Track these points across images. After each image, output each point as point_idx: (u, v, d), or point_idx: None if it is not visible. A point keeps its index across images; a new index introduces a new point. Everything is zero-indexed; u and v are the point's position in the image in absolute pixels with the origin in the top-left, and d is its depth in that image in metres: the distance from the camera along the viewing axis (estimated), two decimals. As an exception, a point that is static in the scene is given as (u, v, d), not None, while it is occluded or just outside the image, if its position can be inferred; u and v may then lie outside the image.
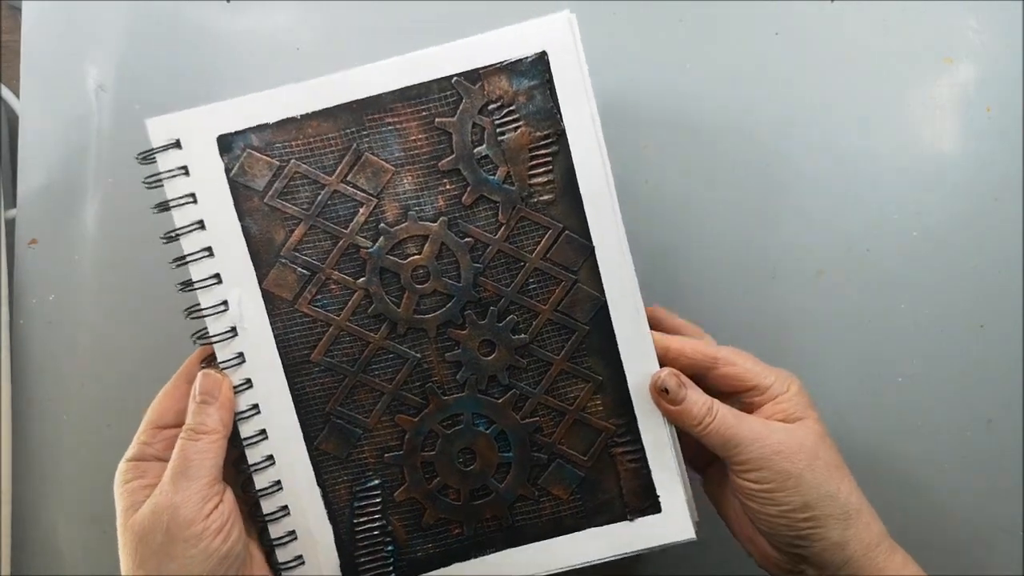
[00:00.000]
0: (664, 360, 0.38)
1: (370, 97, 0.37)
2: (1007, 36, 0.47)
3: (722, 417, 0.36)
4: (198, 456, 0.34)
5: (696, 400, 0.36)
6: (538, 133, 0.37)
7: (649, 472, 0.39)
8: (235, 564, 0.34)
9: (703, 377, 0.38)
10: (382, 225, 0.37)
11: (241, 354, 0.37)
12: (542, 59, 0.37)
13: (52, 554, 0.46)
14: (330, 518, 0.38)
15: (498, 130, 0.37)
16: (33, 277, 0.47)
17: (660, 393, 0.37)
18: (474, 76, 0.37)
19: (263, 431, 0.38)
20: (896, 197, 0.46)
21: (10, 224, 0.47)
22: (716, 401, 0.37)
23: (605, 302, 0.38)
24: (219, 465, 0.35)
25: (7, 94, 0.50)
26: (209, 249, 0.37)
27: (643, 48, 0.48)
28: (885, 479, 0.46)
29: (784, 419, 0.37)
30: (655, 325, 0.39)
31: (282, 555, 0.38)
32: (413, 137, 0.37)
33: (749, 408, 0.38)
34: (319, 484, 0.38)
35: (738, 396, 0.38)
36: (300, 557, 0.38)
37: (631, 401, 0.38)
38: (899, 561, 0.35)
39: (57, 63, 0.48)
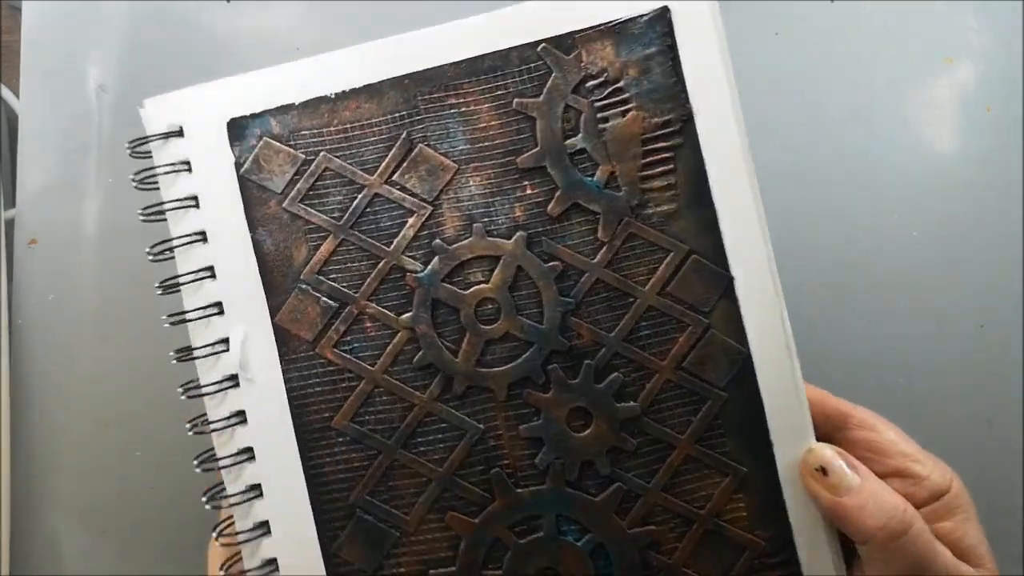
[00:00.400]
0: None
1: (428, 70, 0.27)
2: (1007, 36, 0.47)
3: (921, 536, 0.24)
4: None
5: (880, 497, 0.25)
6: (656, 119, 0.27)
7: None
8: None
9: (832, 440, 0.27)
10: (437, 241, 0.27)
11: (242, 412, 0.27)
12: (663, 18, 0.27)
13: (51, 554, 0.45)
14: (348, 661, 0.26)
15: (599, 115, 0.27)
16: (32, 277, 0.46)
17: (815, 475, 0.25)
18: (567, 42, 0.27)
19: (264, 523, 0.27)
20: (896, 197, 0.46)
21: (9, 224, 0.47)
22: (912, 509, 0.25)
23: (749, 356, 0.26)
24: None
25: (7, 94, 0.50)
26: (211, 269, 0.27)
27: None
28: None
29: (955, 549, 0.26)
30: None
31: None
32: (483, 124, 0.27)
33: None
34: (334, 607, 0.26)
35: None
36: None
37: (784, 502, 0.26)
38: None
39: (57, 63, 0.48)
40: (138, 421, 0.37)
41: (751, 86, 0.44)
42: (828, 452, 0.26)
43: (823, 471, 0.26)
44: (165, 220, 0.28)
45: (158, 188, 0.28)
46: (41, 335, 0.47)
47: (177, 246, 0.28)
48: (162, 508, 0.43)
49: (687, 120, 0.27)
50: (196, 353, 0.27)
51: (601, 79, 0.27)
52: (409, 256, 0.27)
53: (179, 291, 0.28)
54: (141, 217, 0.28)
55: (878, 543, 0.25)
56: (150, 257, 0.28)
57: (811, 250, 0.46)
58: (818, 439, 0.27)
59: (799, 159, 0.46)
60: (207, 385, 0.27)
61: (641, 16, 0.27)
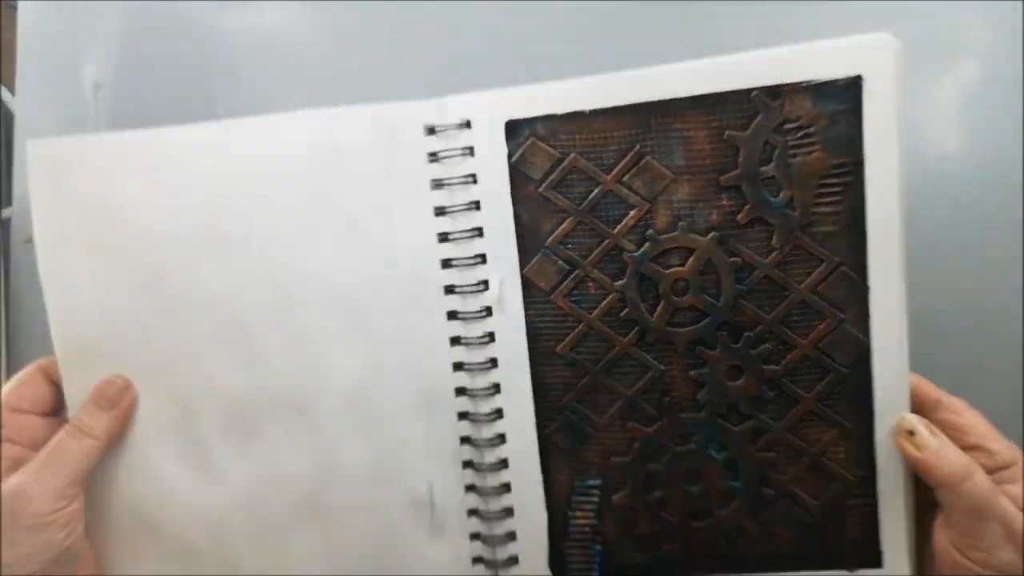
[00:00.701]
0: None
1: (662, 100, 0.36)
2: (1011, 34, 0.47)
3: (982, 483, 0.34)
4: (73, 456, 0.36)
5: (952, 454, 0.34)
6: (834, 160, 0.35)
7: (878, 529, 0.36)
8: (71, 561, 0.36)
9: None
10: (650, 231, 0.37)
11: (491, 334, 0.38)
12: (856, 83, 0.34)
13: None
14: (548, 506, 0.39)
15: (790, 151, 0.35)
16: (29, 276, 0.46)
17: (906, 436, 0.35)
18: (776, 92, 0.35)
19: (499, 410, 0.39)
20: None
21: (6, 223, 0.47)
22: (976, 464, 0.34)
23: (869, 347, 0.36)
24: (88, 469, 0.37)
25: (2, 92, 0.50)
26: (479, 230, 0.38)
27: (642, 48, 0.48)
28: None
29: (1018, 504, 0.34)
30: None
31: (498, 528, 0.39)
32: (699, 147, 0.36)
33: None
34: (543, 471, 0.39)
35: None
36: (513, 533, 0.39)
37: (875, 455, 0.36)
38: None
39: (53, 61, 0.47)
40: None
41: None
42: (916, 419, 0.35)
43: (911, 433, 0.35)
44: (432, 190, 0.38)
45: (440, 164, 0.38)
46: (38, 334, 0.44)
47: (455, 211, 0.38)
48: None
49: (859, 164, 0.35)
50: (459, 290, 0.38)
51: (797, 124, 0.35)
52: (627, 239, 0.37)
53: (450, 267, 0.38)
54: (431, 188, 0.38)
55: (949, 486, 0.34)
56: (435, 214, 0.38)
57: None
58: (913, 413, 0.36)
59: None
60: (469, 312, 0.38)
61: (838, 80, 0.34)
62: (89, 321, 0.39)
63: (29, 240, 0.44)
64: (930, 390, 0.36)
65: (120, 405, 0.38)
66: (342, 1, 0.48)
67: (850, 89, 0.34)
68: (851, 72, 0.34)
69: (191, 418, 0.39)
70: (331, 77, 0.48)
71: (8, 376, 0.43)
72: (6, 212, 0.48)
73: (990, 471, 0.34)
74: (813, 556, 0.37)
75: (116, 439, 0.39)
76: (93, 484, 0.39)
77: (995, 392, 0.46)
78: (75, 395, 0.39)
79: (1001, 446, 0.35)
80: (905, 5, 0.47)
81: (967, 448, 0.35)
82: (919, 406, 0.36)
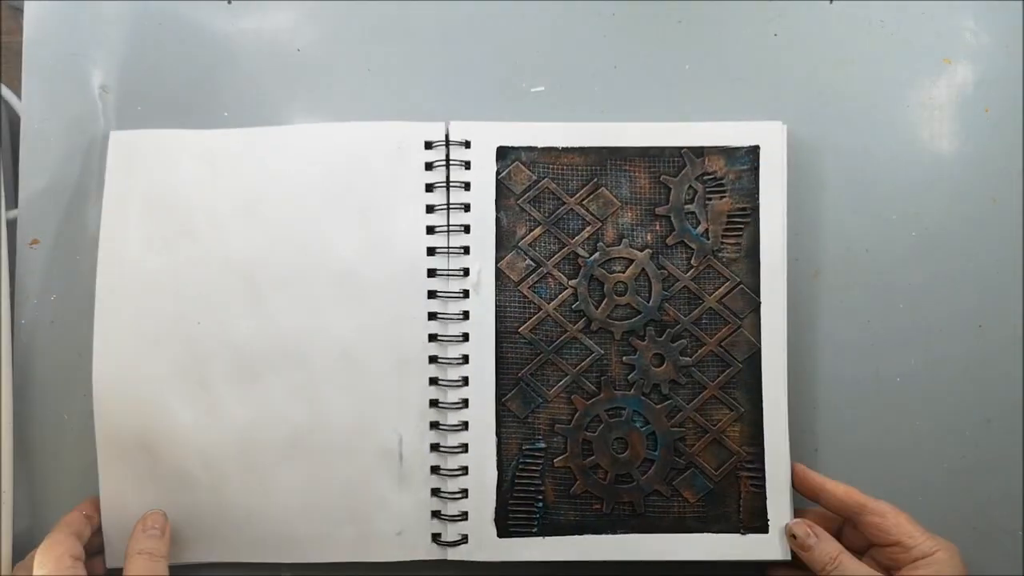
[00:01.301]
0: (819, 498, 0.44)
1: (617, 147, 0.47)
2: (1005, 37, 0.48)
3: (843, 567, 0.41)
4: (152, 571, 0.41)
5: (824, 550, 0.42)
6: (738, 205, 0.47)
7: (765, 498, 0.45)
8: None
9: (854, 522, 0.43)
10: (600, 243, 0.47)
11: (467, 312, 0.46)
12: (754, 151, 0.47)
13: None
14: (498, 465, 0.46)
15: (707, 195, 0.47)
16: (35, 277, 0.47)
17: (791, 538, 0.44)
18: (700, 152, 0.47)
19: (465, 379, 0.46)
20: (895, 197, 0.47)
21: (12, 224, 0.47)
22: (845, 553, 0.42)
23: (760, 349, 0.46)
24: None
25: (8, 95, 0.49)
26: (466, 227, 0.47)
27: (642, 49, 0.49)
28: (885, 479, 0.47)
29: None
30: (800, 482, 0.45)
31: (452, 485, 0.45)
32: (641, 184, 0.47)
33: (895, 565, 0.42)
34: (497, 434, 0.46)
35: (882, 548, 0.42)
36: (465, 491, 0.45)
37: (763, 436, 0.46)
38: None
39: (59, 64, 0.48)
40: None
41: (750, 87, 0.48)
42: (795, 524, 0.43)
43: (795, 536, 0.43)
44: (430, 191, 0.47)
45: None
46: (42, 335, 0.47)
47: (443, 208, 0.47)
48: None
49: (756, 209, 0.47)
50: (440, 273, 0.47)
51: (713, 176, 0.47)
52: (582, 248, 0.47)
53: (435, 254, 0.47)
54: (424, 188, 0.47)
55: (823, 572, 0.41)
56: (425, 210, 0.47)
57: (810, 250, 0.48)
58: (844, 520, 0.43)
59: (797, 159, 0.48)
60: (449, 293, 0.46)
61: (743, 147, 0.47)
62: (131, 273, 0.46)
63: (35, 242, 0.47)
64: (858, 497, 0.43)
65: (165, 532, 0.43)
66: (345, 3, 0.49)
67: (751, 155, 0.47)
68: (752, 143, 0.47)
69: (202, 364, 0.45)
70: (334, 80, 0.49)
71: (12, 377, 0.46)
72: (12, 214, 0.48)
73: (906, 562, 0.41)
74: (713, 520, 0.45)
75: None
76: (108, 413, 0.43)
77: (995, 393, 0.47)
78: (104, 326, 0.45)
79: (919, 541, 0.41)
80: (903, 6, 0.48)
81: (888, 544, 0.42)
82: (850, 511, 0.43)
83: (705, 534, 0.45)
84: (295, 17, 0.49)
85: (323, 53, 0.49)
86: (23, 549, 0.45)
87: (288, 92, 0.49)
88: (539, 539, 0.45)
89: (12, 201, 0.48)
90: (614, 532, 0.45)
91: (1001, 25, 0.48)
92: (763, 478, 0.46)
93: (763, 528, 0.45)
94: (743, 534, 0.45)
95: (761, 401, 0.46)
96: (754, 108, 0.47)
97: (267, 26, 0.49)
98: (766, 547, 0.45)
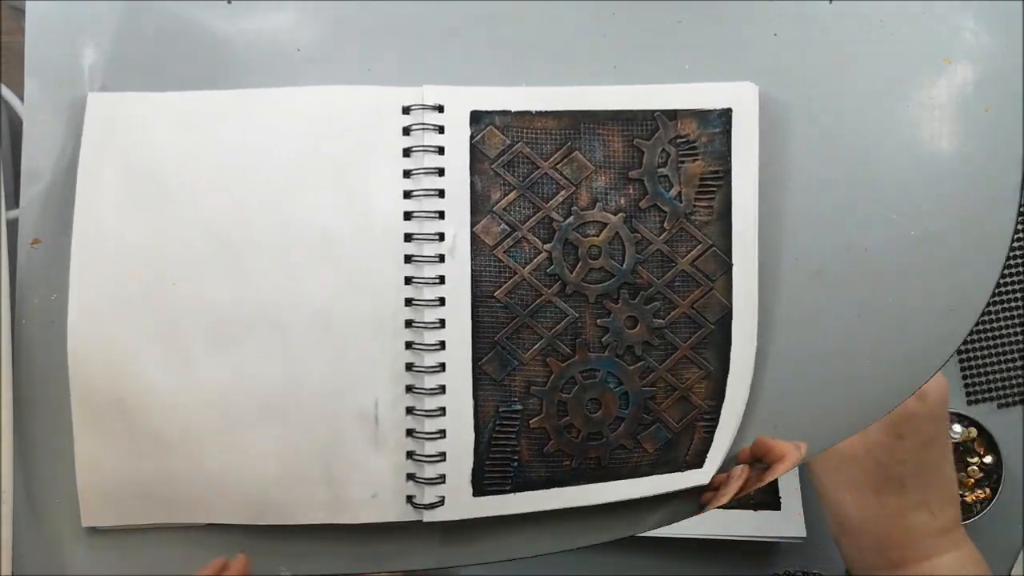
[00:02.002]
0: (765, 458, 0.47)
1: (591, 111, 0.47)
2: (1005, 36, 0.48)
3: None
4: None
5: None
6: (710, 168, 0.47)
7: (712, 442, 0.47)
8: None
9: None
10: (574, 208, 0.47)
11: (442, 277, 0.47)
12: (727, 114, 0.47)
13: (52, 554, 0.46)
14: (475, 428, 0.46)
15: (680, 158, 0.47)
16: (35, 277, 0.47)
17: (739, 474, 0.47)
18: (672, 114, 0.48)
19: (442, 343, 0.47)
20: (895, 197, 0.47)
21: (12, 224, 0.47)
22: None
23: (731, 310, 0.47)
24: None
25: (9, 95, 0.49)
26: (441, 191, 0.47)
27: (641, 48, 0.49)
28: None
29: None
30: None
31: (430, 448, 0.46)
32: (614, 148, 0.48)
33: None
34: (474, 397, 0.46)
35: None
36: (443, 454, 0.46)
37: (725, 392, 0.47)
38: None
39: (60, 63, 0.48)
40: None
41: None
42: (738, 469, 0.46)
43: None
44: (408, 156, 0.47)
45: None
46: (43, 335, 0.46)
47: (420, 172, 0.47)
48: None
49: (727, 172, 0.47)
50: (417, 238, 0.47)
51: (686, 139, 0.48)
52: (556, 212, 0.47)
53: (411, 218, 0.47)
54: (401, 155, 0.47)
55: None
56: (403, 175, 0.47)
57: (808, 249, 0.48)
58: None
59: (797, 159, 0.48)
60: (424, 257, 0.47)
61: (715, 110, 0.47)
62: (107, 236, 0.46)
63: (36, 242, 0.46)
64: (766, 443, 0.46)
65: None
66: (345, 3, 0.49)
67: (723, 117, 0.47)
68: (725, 105, 0.47)
69: (178, 328, 0.45)
70: (332, 80, 0.49)
71: (12, 377, 0.46)
72: (12, 214, 0.47)
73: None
74: (663, 463, 0.47)
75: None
76: (83, 375, 0.43)
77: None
78: (79, 289, 0.45)
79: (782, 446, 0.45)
80: (902, 5, 0.48)
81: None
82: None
83: (653, 476, 0.47)
84: (295, 17, 0.49)
85: (323, 53, 0.49)
86: (23, 549, 0.46)
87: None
88: (512, 495, 0.46)
89: (13, 201, 0.48)
90: (577, 483, 0.47)
91: (1001, 25, 0.48)
92: (715, 427, 0.47)
93: (700, 465, 0.47)
94: (683, 472, 0.47)
95: (729, 360, 0.47)
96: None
97: (267, 26, 0.49)
98: (696, 478, 0.47)
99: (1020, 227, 0.49)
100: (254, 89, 0.47)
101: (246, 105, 0.47)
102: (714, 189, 0.47)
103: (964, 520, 0.45)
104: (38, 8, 0.48)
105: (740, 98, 0.47)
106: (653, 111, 0.47)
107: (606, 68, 0.49)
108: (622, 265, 0.47)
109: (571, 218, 0.47)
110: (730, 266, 0.47)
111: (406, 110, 0.47)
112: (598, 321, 0.47)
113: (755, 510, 0.46)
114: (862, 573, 0.40)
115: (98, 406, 0.45)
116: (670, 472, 0.47)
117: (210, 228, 0.46)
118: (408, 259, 0.47)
